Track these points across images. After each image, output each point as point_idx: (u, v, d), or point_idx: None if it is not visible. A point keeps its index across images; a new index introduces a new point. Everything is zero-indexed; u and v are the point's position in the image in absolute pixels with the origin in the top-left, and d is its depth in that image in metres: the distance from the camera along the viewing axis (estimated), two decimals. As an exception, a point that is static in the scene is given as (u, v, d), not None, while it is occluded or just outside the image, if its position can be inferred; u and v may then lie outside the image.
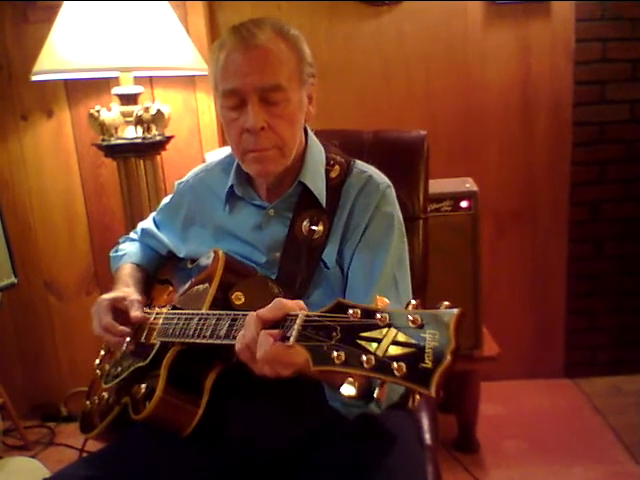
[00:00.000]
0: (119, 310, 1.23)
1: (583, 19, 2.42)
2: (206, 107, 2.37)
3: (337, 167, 1.26)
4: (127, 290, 1.29)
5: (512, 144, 2.54)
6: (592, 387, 2.62)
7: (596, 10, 2.41)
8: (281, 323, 0.86)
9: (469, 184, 2.15)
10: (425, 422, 1.41)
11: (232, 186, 1.29)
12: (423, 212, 1.64)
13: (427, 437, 1.37)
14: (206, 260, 1.25)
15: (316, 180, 1.24)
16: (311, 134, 1.30)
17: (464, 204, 2.09)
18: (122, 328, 1.20)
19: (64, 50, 1.88)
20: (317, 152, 1.28)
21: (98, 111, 2.03)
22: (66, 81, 2.32)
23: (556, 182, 2.57)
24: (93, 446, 1.29)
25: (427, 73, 2.49)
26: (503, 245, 2.61)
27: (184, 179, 1.45)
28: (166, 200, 1.49)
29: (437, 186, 1.82)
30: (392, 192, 1.26)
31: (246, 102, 1.13)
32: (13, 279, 2.29)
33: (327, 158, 1.28)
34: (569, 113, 2.51)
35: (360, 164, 1.29)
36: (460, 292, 2.09)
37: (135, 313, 1.22)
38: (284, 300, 0.88)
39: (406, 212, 1.29)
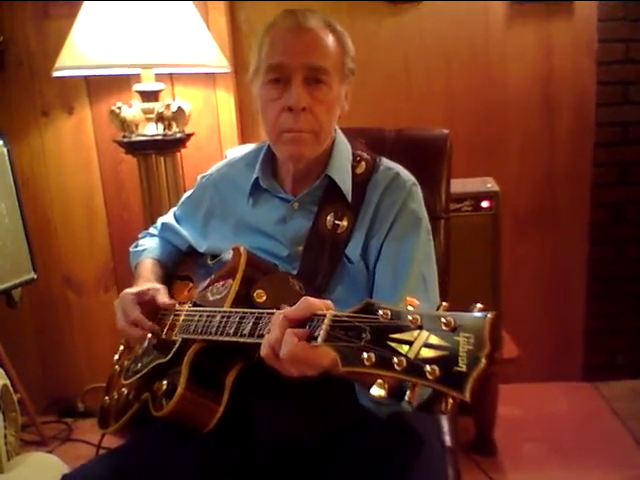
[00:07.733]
0: (144, 304, 1.23)
1: (605, 19, 2.40)
2: (226, 105, 2.36)
3: (363, 163, 1.27)
4: (149, 284, 1.29)
5: (533, 144, 2.52)
6: (611, 391, 2.60)
7: (619, 11, 2.39)
8: (307, 323, 0.85)
9: (490, 184, 2.12)
10: (445, 424, 1.40)
11: (257, 178, 1.29)
12: (445, 212, 1.62)
13: (447, 439, 1.37)
14: (227, 257, 1.24)
15: (342, 175, 1.24)
16: (338, 130, 1.31)
17: (485, 204, 2.07)
18: (151, 323, 1.20)
19: (86, 46, 1.89)
20: (344, 148, 1.29)
21: (119, 108, 2.04)
22: (87, 77, 2.33)
23: (577, 183, 2.54)
24: (110, 442, 1.29)
25: (448, 71, 2.47)
26: (522, 246, 2.59)
27: (207, 173, 1.45)
28: (188, 194, 1.49)
29: (458, 185, 1.80)
30: (418, 190, 1.26)
31: (290, 81, 1.14)
32: (32, 274, 2.31)
33: (353, 154, 1.29)
34: (591, 113, 2.48)
35: (386, 161, 1.29)
36: (480, 293, 2.04)
37: (164, 299, 1.22)
38: (311, 299, 0.86)
39: (428, 211, 1.28)
